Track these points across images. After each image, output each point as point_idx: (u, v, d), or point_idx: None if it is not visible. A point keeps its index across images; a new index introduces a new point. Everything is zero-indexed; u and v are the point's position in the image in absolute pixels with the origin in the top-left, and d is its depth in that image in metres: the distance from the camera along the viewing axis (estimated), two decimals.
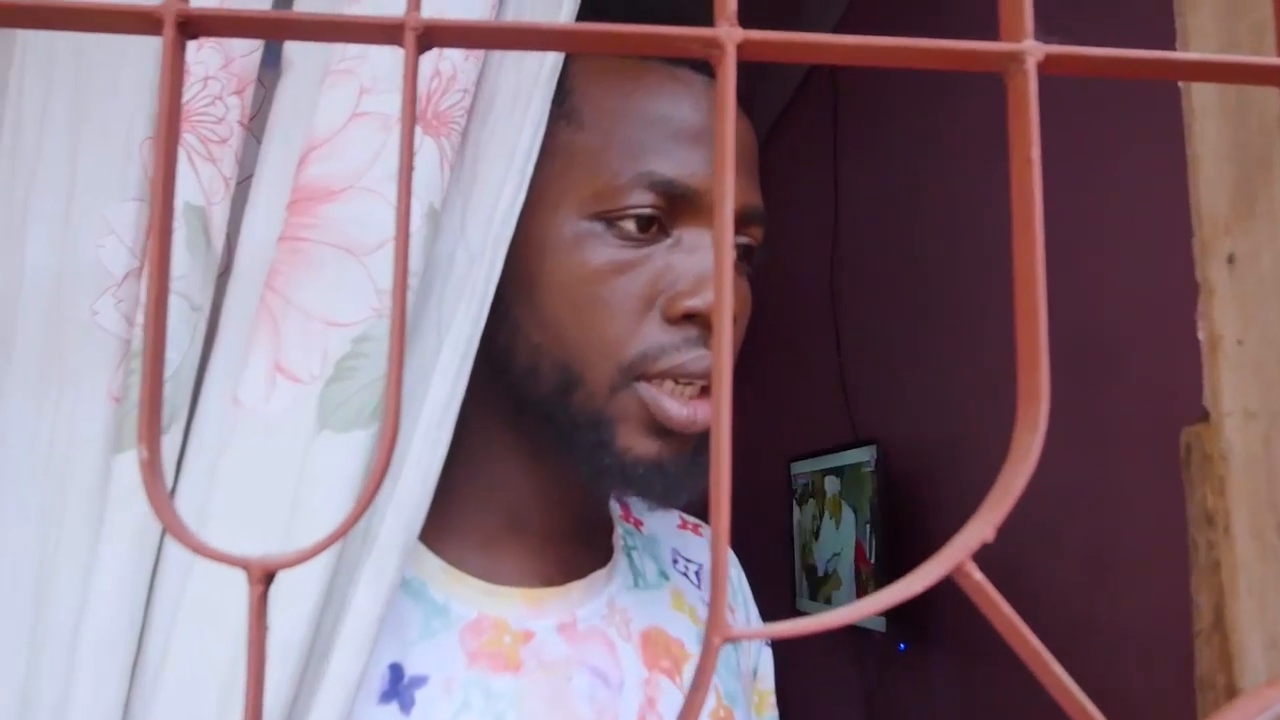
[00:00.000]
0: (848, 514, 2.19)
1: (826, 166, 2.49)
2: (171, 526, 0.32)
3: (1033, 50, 0.35)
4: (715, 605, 0.32)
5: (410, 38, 0.33)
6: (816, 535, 2.40)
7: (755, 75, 2.92)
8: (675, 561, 0.80)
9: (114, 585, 0.48)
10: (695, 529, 0.86)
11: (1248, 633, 0.47)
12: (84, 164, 0.57)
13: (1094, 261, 1.36)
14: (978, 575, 0.33)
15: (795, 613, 2.72)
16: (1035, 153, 0.35)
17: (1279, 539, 0.46)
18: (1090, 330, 1.37)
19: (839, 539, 2.25)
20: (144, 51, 0.57)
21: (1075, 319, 1.39)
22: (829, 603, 2.44)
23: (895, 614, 1.93)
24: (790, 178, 2.88)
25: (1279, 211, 0.45)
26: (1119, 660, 1.31)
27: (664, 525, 0.83)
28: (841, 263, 2.41)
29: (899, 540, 1.93)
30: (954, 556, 0.34)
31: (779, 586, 2.80)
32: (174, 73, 0.34)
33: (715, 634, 0.32)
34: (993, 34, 0.27)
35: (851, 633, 2.27)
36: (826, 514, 2.34)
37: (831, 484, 2.29)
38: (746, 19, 0.31)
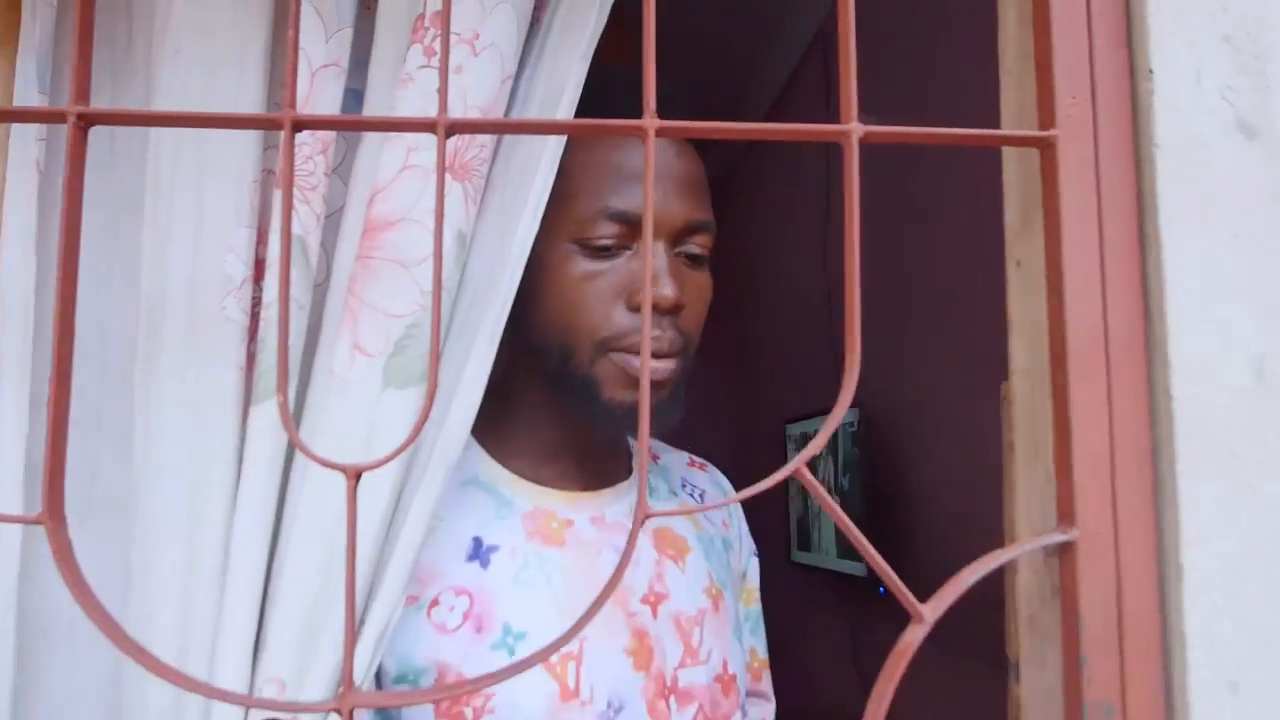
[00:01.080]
0: (835, 480, 2.35)
1: (820, 150, 2.61)
2: (297, 443, 0.51)
3: (856, 129, 0.54)
4: (641, 492, 0.52)
5: (440, 131, 0.52)
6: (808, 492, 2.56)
7: (746, 72, 3.03)
8: (684, 486, 1.00)
9: (254, 497, 0.67)
10: (702, 466, 1.06)
11: (1023, 525, 0.65)
12: (209, 199, 0.75)
13: (970, 262, 1.55)
14: (809, 476, 0.52)
15: (789, 564, 2.90)
16: (855, 203, 0.53)
17: (1037, 459, 0.64)
18: (970, 309, 1.56)
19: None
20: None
21: (961, 305, 1.58)
22: (818, 551, 2.62)
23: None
24: (786, 161, 3.02)
25: (1040, 230, 0.62)
26: (956, 549, 1.52)
27: (677, 461, 1.03)
28: (836, 243, 2.55)
29: (880, 492, 2.09)
30: (795, 464, 0.53)
31: (775, 539, 2.96)
32: (288, 157, 0.54)
33: (641, 512, 0.52)
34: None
35: (836, 579, 2.42)
36: (818, 472, 2.51)
37: (821, 451, 2.45)
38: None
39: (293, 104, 0.58)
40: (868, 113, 0.60)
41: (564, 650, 0.78)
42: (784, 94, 3.04)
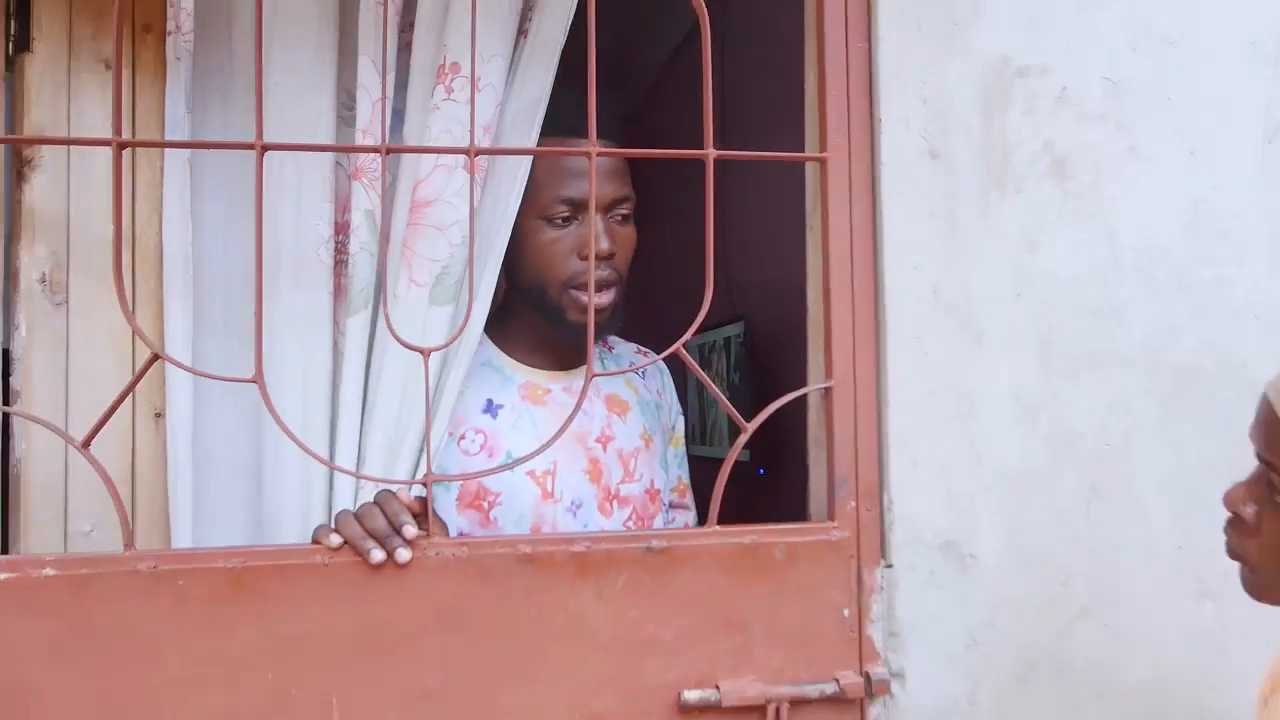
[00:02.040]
0: (727, 375, 2.79)
1: (717, 87, 2.95)
2: (395, 335, 0.94)
3: (711, 153, 0.96)
4: (589, 361, 0.95)
5: (471, 154, 0.93)
6: (705, 393, 2.99)
7: (639, 42, 3.31)
8: (630, 365, 1.39)
9: (352, 375, 1.08)
10: (645, 353, 1.46)
11: (811, 380, 1.07)
12: (305, 185, 1.13)
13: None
14: (685, 355, 0.95)
15: (689, 457, 3.36)
16: (710, 209, 0.95)
17: (818, 344, 1.06)
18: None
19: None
20: (329, 135, 1.12)
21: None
22: (714, 445, 3.07)
23: (756, 447, 2.54)
24: (685, 107, 3.36)
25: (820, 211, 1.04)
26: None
27: (628, 349, 1.44)
28: (733, 186, 2.91)
29: (762, 383, 2.52)
30: (675, 347, 0.96)
31: None
32: (384, 173, 0.95)
33: (589, 373, 0.95)
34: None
35: (721, 463, 2.85)
36: (715, 377, 2.95)
37: (718, 353, 2.89)
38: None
39: (384, 139, 0.97)
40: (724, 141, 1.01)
41: (544, 469, 1.20)
42: (688, 36, 3.36)
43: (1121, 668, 1.05)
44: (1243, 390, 1.07)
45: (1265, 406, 0.77)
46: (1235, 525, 0.81)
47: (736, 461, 1.03)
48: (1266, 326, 1.08)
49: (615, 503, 1.27)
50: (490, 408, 1.21)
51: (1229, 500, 0.81)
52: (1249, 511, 0.79)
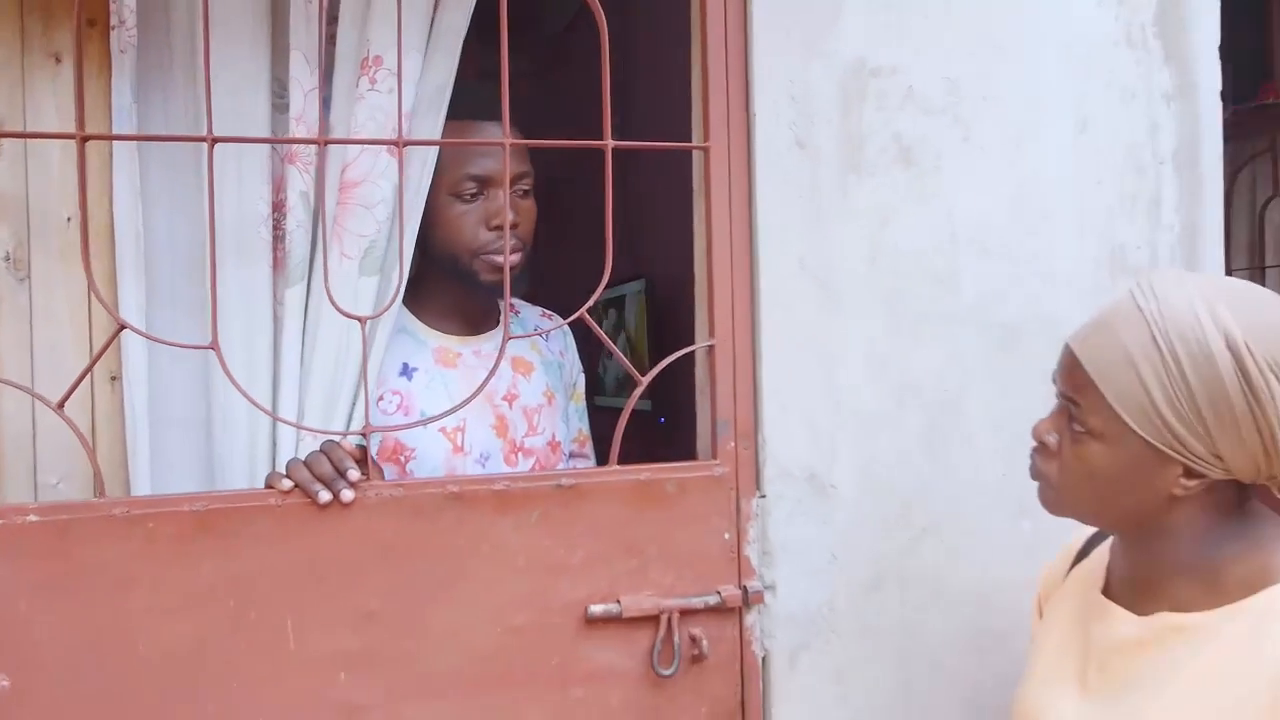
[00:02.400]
0: (629, 329, 2.95)
1: (615, 49, 3.07)
2: (334, 303, 1.08)
3: (609, 144, 1.11)
4: (504, 325, 1.11)
5: (400, 144, 1.07)
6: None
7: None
8: (536, 328, 1.53)
9: (291, 341, 1.21)
10: (549, 315, 1.60)
11: (699, 340, 1.24)
12: (245, 169, 1.25)
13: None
14: (590, 320, 1.11)
15: (594, 406, 3.52)
16: (609, 195, 1.10)
17: (704, 307, 1.22)
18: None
19: (621, 350, 3.01)
20: (264, 121, 1.23)
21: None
22: (615, 395, 3.23)
23: (656, 397, 2.70)
24: (586, 77, 3.46)
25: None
26: None
27: (533, 312, 1.58)
28: (630, 143, 3.03)
29: (661, 336, 2.69)
30: (579, 313, 1.12)
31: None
32: (321, 161, 1.09)
33: (504, 336, 1.11)
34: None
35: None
36: (618, 332, 3.10)
37: (619, 310, 3.04)
38: None
39: (323, 131, 1.09)
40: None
41: (455, 425, 1.35)
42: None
43: (954, 576, 1.25)
44: (1055, 343, 1.26)
45: (1067, 352, 0.95)
46: (1040, 452, 0.99)
47: (640, 411, 1.19)
48: (1075, 290, 1.28)
49: (520, 454, 1.42)
50: (406, 371, 1.35)
51: (1036, 431, 1.00)
52: (1052, 440, 0.97)
